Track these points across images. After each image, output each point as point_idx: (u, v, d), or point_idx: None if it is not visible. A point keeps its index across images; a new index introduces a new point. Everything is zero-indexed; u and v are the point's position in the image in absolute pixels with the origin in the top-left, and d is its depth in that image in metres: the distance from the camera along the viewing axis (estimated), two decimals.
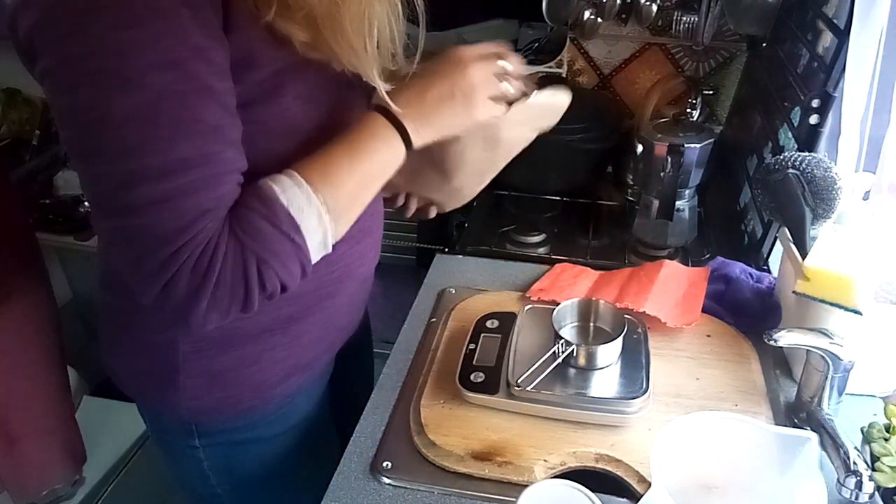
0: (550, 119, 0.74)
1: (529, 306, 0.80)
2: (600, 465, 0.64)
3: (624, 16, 1.23)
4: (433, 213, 0.84)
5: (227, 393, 0.68)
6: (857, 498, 0.57)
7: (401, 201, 0.81)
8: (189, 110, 0.48)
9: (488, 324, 0.80)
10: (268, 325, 0.66)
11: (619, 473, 0.64)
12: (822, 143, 0.83)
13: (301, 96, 0.56)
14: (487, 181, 0.81)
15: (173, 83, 0.46)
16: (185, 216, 0.49)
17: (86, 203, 1.51)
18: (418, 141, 0.59)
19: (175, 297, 0.50)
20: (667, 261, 0.92)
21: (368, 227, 0.72)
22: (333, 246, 0.58)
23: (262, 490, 0.76)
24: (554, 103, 0.72)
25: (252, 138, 0.54)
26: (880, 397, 0.72)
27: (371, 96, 0.62)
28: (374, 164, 0.58)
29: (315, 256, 0.55)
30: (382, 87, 0.57)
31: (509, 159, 0.77)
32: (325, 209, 0.54)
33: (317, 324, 0.70)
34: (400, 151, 0.59)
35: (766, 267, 0.93)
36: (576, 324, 0.77)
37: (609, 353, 0.70)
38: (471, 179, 0.78)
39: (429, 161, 0.73)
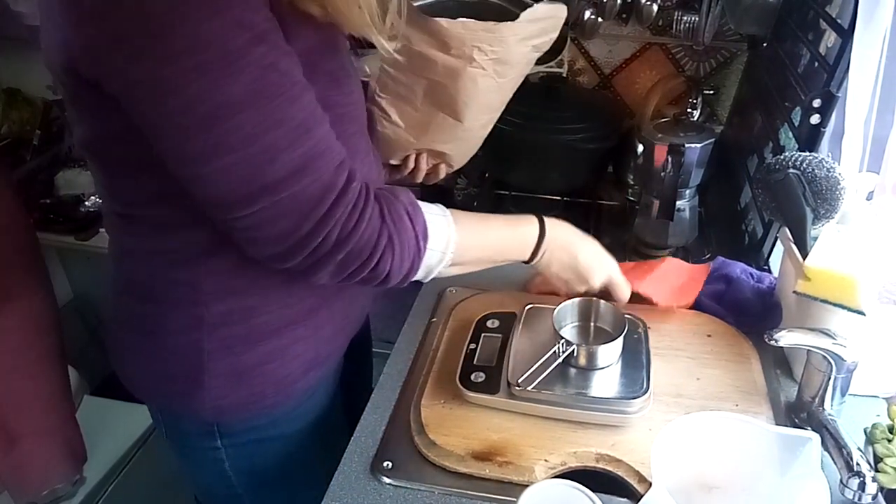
0: (550, 34, 0.76)
1: (530, 306, 0.80)
2: (601, 465, 0.64)
3: (624, 15, 1.23)
4: (443, 173, 0.86)
5: (252, 390, 0.67)
6: (860, 499, 0.57)
7: (411, 164, 0.82)
8: (286, 75, 0.50)
9: (489, 323, 0.80)
10: (291, 318, 0.66)
11: (619, 473, 0.63)
12: (825, 143, 0.83)
13: (332, 74, 0.58)
14: (495, 119, 0.83)
15: (267, 55, 0.48)
16: (326, 174, 0.53)
17: (86, 203, 1.51)
18: (538, 260, 0.71)
19: (317, 254, 0.55)
20: (670, 257, 0.92)
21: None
22: None
23: (283, 487, 0.76)
24: (552, 16, 0.75)
25: None
26: (883, 398, 0.72)
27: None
28: (513, 235, 0.70)
29: (420, 273, 0.62)
30: (387, 46, 0.58)
31: (515, 86, 0.79)
32: (452, 246, 0.62)
33: (335, 314, 0.71)
34: (524, 256, 0.71)
35: (766, 267, 0.93)
36: (576, 324, 0.77)
37: (610, 353, 0.70)
38: (480, 116, 0.79)
39: (440, 104, 0.75)
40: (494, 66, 0.73)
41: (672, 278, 0.87)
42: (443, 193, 1.43)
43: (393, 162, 0.83)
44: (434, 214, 0.62)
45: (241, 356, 0.65)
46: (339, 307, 0.71)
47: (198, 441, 0.72)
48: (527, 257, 0.70)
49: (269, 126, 0.49)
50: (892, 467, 0.62)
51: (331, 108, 0.56)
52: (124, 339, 0.70)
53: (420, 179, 0.86)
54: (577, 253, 0.73)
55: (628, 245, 1.12)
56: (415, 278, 0.62)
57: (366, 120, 0.69)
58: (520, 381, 0.68)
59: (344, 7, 0.53)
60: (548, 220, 0.70)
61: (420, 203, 0.61)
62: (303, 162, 0.51)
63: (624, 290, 0.77)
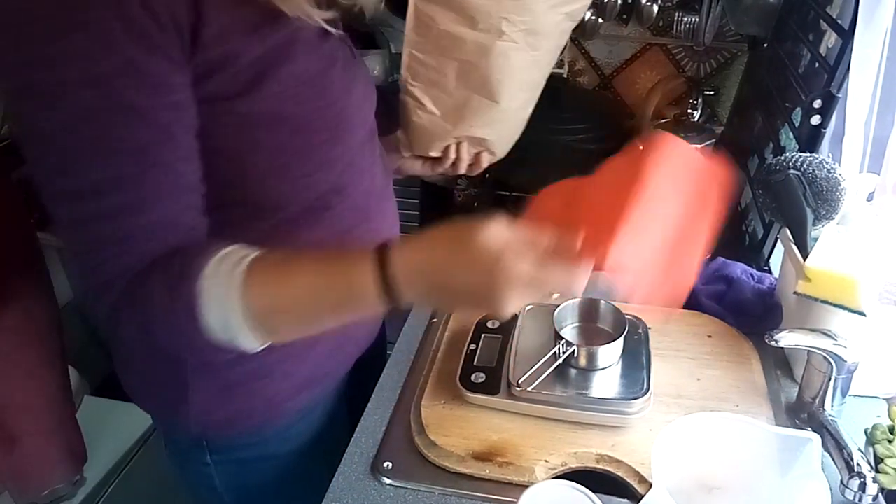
0: (582, 0, 0.72)
1: (530, 306, 0.80)
2: (601, 466, 0.64)
3: (625, 16, 1.23)
4: (486, 162, 0.82)
5: (238, 407, 0.66)
6: (860, 500, 0.57)
7: (452, 154, 0.79)
8: (109, 130, 0.45)
9: (489, 324, 0.80)
10: None
11: (619, 474, 0.63)
12: (825, 144, 0.83)
13: (287, 83, 0.53)
14: (534, 98, 0.77)
15: (95, 101, 0.44)
16: (94, 241, 0.48)
17: None
18: (402, 304, 0.47)
19: (103, 306, 0.50)
20: (670, 139, 0.56)
21: (377, 228, 0.70)
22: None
23: None
24: None
25: (239, 130, 0.53)
26: (884, 399, 0.72)
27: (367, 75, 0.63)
28: (327, 298, 0.49)
29: (212, 340, 0.48)
30: (322, 23, 0.54)
31: (553, 60, 0.74)
32: (241, 322, 0.47)
33: (330, 335, 0.58)
34: (374, 309, 0.47)
35: (767, 268, 0.93)
36: (577, 324, 0.77)
37: (610, 354, 0.70)
38: (518, 95, 0.74)
39: (473, 85, 0.72)
40: (526, 37, 0.69)
41: (661, 221, 0.51)
42: (443, 194, 1.43)
43: (433, 154, 0.80)
44: (212, 283, 0.47)
45: (223, 373, 0.64)
46: (332, 330, 0.63)
47: (190, 454, 0.71)
48: (370, 304, 0.47)
49: (65, 171, 0.46)
50: (892, 468, 0.62)
51: (286, 120, 0.54)
52: (120, 352, 0.70)
53: (463, 170, 0.82)
54: (447, 280, 0.46)
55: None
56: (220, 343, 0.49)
57: (357, 120, 0.63)
58: (520, 381, 0.68)
59: None
60: (397, 249, 0.47)
61: (202, 264, 0.47)
62: (81, 219, 0.47)
63: (568, 287, 0.47)
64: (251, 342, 0.49)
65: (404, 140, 0.81)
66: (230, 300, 0.47)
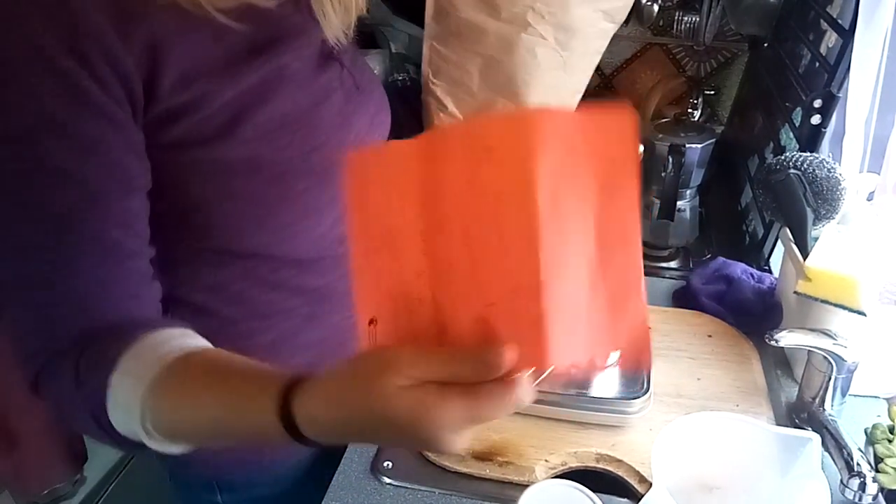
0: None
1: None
2: (601, 466, 0.64)
3: None
4: None
5: (249, 448, 0.63)
6: (860, 499, 0.57)
7: None
8: (29, 193, 0.41)
9: None
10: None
11: (620, 473, 0.63)
12: (825, 144, 0.83)
13: (265, 127, 0.48)
14: (572, 103, 0.69)
15: (15, 160, 0.40)
16: (22, 313, 0.44)
17: None
18: (312, 439, 0.39)
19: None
20: (539, 114, 0.35)
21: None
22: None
23: None
24: None
25: (209, 178, 0.49)
26: (884, 398, 0.72)
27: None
28: (234, 440, 0.46)
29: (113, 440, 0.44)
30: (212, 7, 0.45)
31: (588, 67, 0.66)
32: (143, 429, 0.42)
33: None
34: (270, 438, 0.40)
35: (767, 267, 0.93)
36: None
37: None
38: (547, 100, 0.68)
39: (498, 85, 0.66)
40: (555, 33, 0.63)
41: (581, 241, 0.35)
42: None
43: None
44: (122, 386, 0.41)
45: None
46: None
47: (200, 496, 0.69)
48: (276, 443, 0.40)
49: None
50: (892, 468, 0.62)
51: (263, 167, 0.49)
52: None
53: None
54: (364, 436, 0.43)
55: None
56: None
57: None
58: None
59: None
60: (299, 402, 0.37)
61: (123, 358, 0.42)
62: None
63: (507, 408, 0.36)
64: (157, 444, 0.43)
65: None
66: (133, 410, 0.41)
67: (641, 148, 0.50)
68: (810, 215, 0.73)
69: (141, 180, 0.46)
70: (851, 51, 0.74)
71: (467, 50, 0.66)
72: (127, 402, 0.41)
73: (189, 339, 0.44)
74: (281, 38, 0.50)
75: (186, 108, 0.45)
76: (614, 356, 0.38)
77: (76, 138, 0.41)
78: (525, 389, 0.36)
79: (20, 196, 0.41)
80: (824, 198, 0.73)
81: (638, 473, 0.62)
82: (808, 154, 0.76)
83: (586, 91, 1.35)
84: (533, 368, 0.35)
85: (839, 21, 0.81)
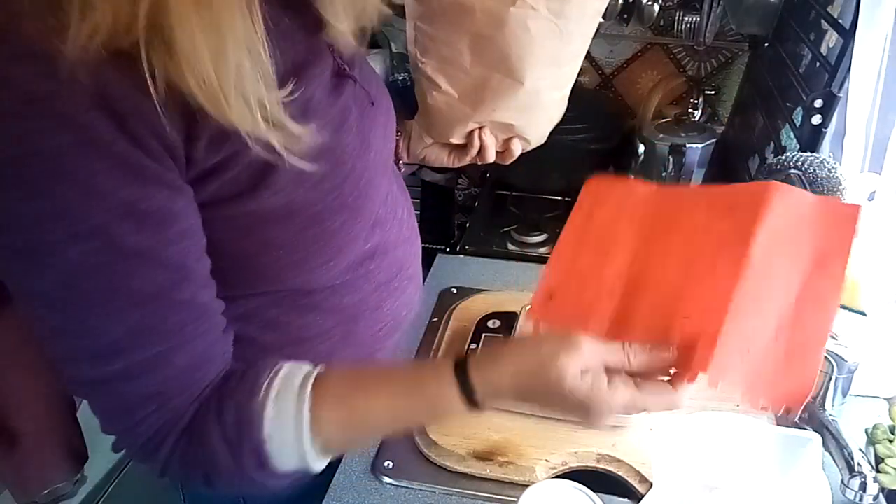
0: None
1: (530, 306, 0.80)
2: (602, 465, 0.64)
3: (626, 16, 1.22)
4: (518, 150, 0.71)
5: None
6: (861, 499, 0.57)
7: (476, 142, 0.69)
8: (115, 282, 0.40)
9: (490, 324, 0.80)
10: None
11: (620, 473, 0.63)
12: (826, 144, 0.83)
13: (295, 170, 0.46)
14: (566, 78, 0.66)
15: (93, 255, 0.39)
16: (125, 402, 0.44)
17: None
18: (485, 409, 0.47)
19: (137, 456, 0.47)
20: (780, 188, 0.46)
21: (412, 273, 0.65)
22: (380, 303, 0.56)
23: None
24: None
25: (246, 231, 0.47)
26: (885, 399, 0.72)
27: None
28: (415, 413, 0.50)
29: (277, 481, 0.47)
30: (267, 135, 0.43)
31: (586, 34, 0.63)
32: (315, 454, 0.46)
33: None
34: (453, 411, 0.47)
35: None
36: None
37: None
38: (544, 73, 0.64)
39: (491, 62, 0.62)
40: (546, 2, 0.59)
41: (774, 301, 0.43)
42: (443, 194, 1.43)
43: (455, 140, 0.70)
44: (279, 425, 0.45)
45: None
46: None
47: None
48: (452, 417, 0.51)
49: (73, 333, 0.41)
50: (893, 468, 0.62)
51: (298, 212, 0.48)
52: None
53: (492, 159, 0.71)
54: (534, 404, 0.51)
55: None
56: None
57: (378, 179, 0.56)
58: None
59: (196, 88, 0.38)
60: (476, 372, 0.46)
61: (264, 405, 0.45)
62: (103, 379, 0.43)
63: (664, 406, 0.45)
64: (321, 464, 0.48)
65: (423, 125, 0.72)
66: (302, 442, 0.45)
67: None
68: None
69: (203, 236, 0.45)
70: (852, 51, 0.75)
71: (454, 28, 0.62)
72: (291, 443, 0.45)
73: (299, 366, 0.48)
74: (301, 67, 0.48)
75: (217, 168, 0.43)
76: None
77: (148, 218, 0.40)
78: (682, 393, 0.44)
79: (107, 288, 0.40)
80: None
81: (638, 473, 0.62)
82: (809, 154, 0.76)
83: (586, 91, 1.35)
84: (696, 375, 0.42)
85: (840, 21, 0.81)
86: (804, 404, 0.42)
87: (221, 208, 0.45)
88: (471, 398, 0.45)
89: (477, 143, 0.70)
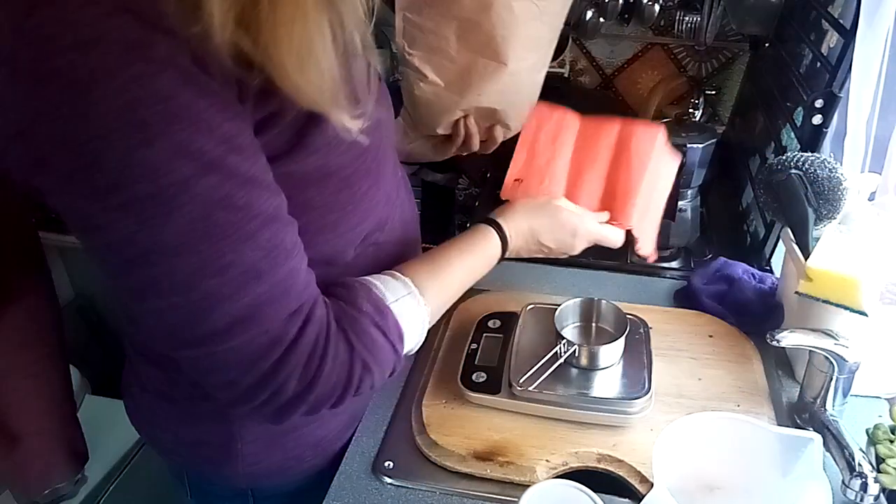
0: None
1: (531, 306, 0.80)
2: (602, 466, 0.64)
3: (626, 16, 1.22)
4: (500, 137, 0.76)
5: (287, 454, 0.64)
6: (861, 500, 0.57)
7: (461, 131, 0.73)
8: (241, 210, 0.42)
9: (490, 324, 0.80)
10: None
11: (621, 474, 0.63)
12: (827, 144, 0.83)
13: (331, 135, 0.49)
14: (545, 62, 0.71)
15: (217, 187, 0.40)
16: (275, 325, 0.45)
17: None
18: (505, 256, 0.67)
19: (275, 404, 0.47)
20: (663, 131, 0.76)
21: (417, 251, 0.69)
22: None
23: None
24: None
25: (288, 189, 0.48)
26: (885, 399, 0.72)
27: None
28: (479, 261, 0.64)
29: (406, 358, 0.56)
30: (349, 123, 0.47)
31: (562, 18, 0.67)
32: (430, 318, 0.56)
33: None
34: (498, 254, 0.66)
35: (768, 267, 0.93)
36: (578, 324, 0.77)
37: (611, 354, 0.70)
38: (526, 56, 0.68)
39: (477, 46, 0.65)
40: None
41: (657, 196, 0.76)
42: (444, 193, 1.43)
43: (441, 131, 0.73)
44: (403, 302, 0.54)
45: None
46: None
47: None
48: (497, 259, 0.67)
49: (210, 273, 0.41)
50: (894, 468, 0.62)
51: (332, 174, 0.51)
52: (147, 403, 0.66)
53: (475, 147, 0.76)
54: (540, 238, 0.68)
55: (630, 245, 1.12)
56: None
57: (388, 152, 0.60)
58: (521, 381, 0.68)
59: (290, 65, 0.41)
60: (503, 221, 0.66)
61: (385, 291, 0.53)
62: (248, 312, 0.43)
63: (612, 242, 0.72)
64: (426, 328, 0.57)
65: (409, 120, 0.74)
66: (421, 309, 0.55)
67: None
68: (811, 215, 0.73)
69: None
70: (853, 51, 0.74)
71: (442, 15, 0.65)
72: (416, 316, 0.55)
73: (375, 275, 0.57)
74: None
75: (264, 124, 0.45)
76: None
77: (246, 147, 0.43)
78: (619, 231, 0.72)
79: (237, 215, 0.42)
80: (826, 198, 0.73)
81: (639, 473, 0.62)
82: (810, 154, 0.76)
83: (587, 91, 1.35)
84: (627, 224, 0.73)
85: (840, 21, 0.81)
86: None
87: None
88: (505, 244, 0.65)
89: (462, 132, 0.73)
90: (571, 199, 0.73)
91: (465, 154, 0.82)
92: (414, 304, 0.55)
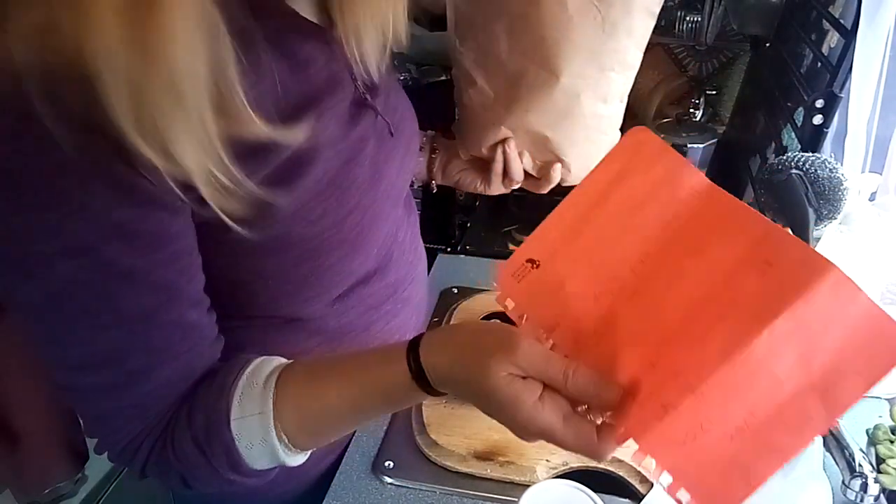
0: None
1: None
2: (602, 466, 0.64)
3: None
4: (557, 176, 0.64)
5: (277, 491, 0.62)
6: (861, 500, 0.57)
7: (500, 158, 0.63)
8: (102, 300, 0.40)
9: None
10: None
11: (621, 474, 0.63)
12: (828, 144, 0.83)
13: (297, 202, 0.45)
14: (617, 85, 0.59)
15: (81, 272, 0.38)
16: (104, 411, 0.44)
17: None
18: (439, 392, 0.44)
19: (133, 469, 0.47)
20: (833, 273, 0.33)
21: (407, 296, 0.63)
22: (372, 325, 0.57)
23: None
24: None
25: (240, 257, 0.47)
26: (885, 399, 0.72)
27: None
28: (368, 395, 0.46)
29: (255, 480, 0.47)
30: (289, 139, 0.42)
31: (636, 32, 0.57)
32: (285, 449, 0.46)
33: None
34: (403, 388, 0.44)
35: None
36: None
37: None
38: (585, 70, 0.58)
39: (528, 49, 0.57)
40: None
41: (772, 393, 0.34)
42: (444, 193, 1.43)
43: (483, 151, 0.65)
44: (246, 422, 0.44)
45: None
46: None
47: None
48: (405, 402, 0.48)
49: (57, 342, 0.41)
50: (894, 468, 0.62)
51: (293, 245, 0.47)
52: None
53: (519, 176, 0.64)
54: (469, 399, 0.43)
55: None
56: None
57: (385, 214, 0.54)
58: None
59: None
60: (428, 345, 0.43)
61: (238, 401, 0.44)
62: (84, 389, 0.43)
63: (588, 454, 0.39)
64: (296, 459, 0.48)
65: (461, 136, 0.67)
66: (271, 439, 0.44)
67: None
68: (812, 216, 0.73)
69: (198, 253, 0.44)
70: (853, 51, 0.74)
71: (493, 7, 0.58)
72: (258, 439, 0.44)
73: (268, 361, 0.47)
74: (316, 99, 0.46)
75: (259, 151, 0.42)
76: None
77: (142, 239, 0.39)
78: (605, 447, 0.37)
79: (94, 305, 0.40)
80: (826, 198, 0.73)
81: (639, 473, 0.62)
82: (810, 154, 0.76)
83: None
84: (628, 439, 0.36)
85: (841, 21, 0.81)
86: None
87: (213, 233, 0.43)
88: (422, 381, 0.42)
89: (500, 157, 0.64)
90: (596, 341, 0.39)
91: (515, 190, 0.71)
92: (260, 427, 0.44)
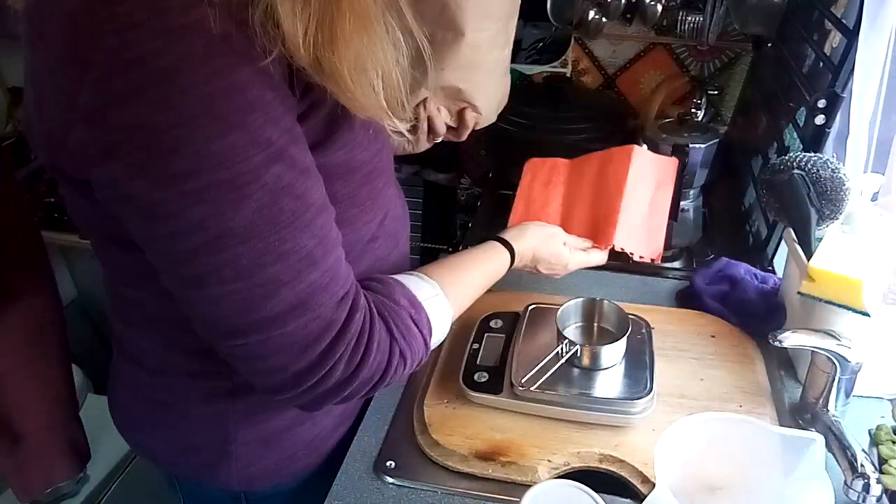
0: None
1: (533, 306, 0.80)
2: (604, 466, 0.64)
3: (628, 16, 1.22)
4: (471, 121, 0.75)
5: (282, 454, 0.64)
6: (864, 500, 0.57)
7: (423, 117, 0.71)
8: (301, 198, 0.44)
9: (492, 323, 0.80)
10: None
11: (622, 474, 0.63)
12: (830, 144, 0.83)
13: (358, 130, 0.52)
14: (505, 37, 0.69)
15: (282, 176, 0.42)
16: (327, 311, 0.46)
17: None
18: (516, 263, 0.72)
19: (319, 390, 0.49)
20: (636, 149, 0.83)
21: (402, 251, 0.69)
22: None
23: None
24: None
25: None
26: (888, 399, 0.72)
27: None
28: (492, 273, 0.68)
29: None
30: (401, 126, 0.53)
31: None
32: (452, 318, 0.59)
33: None
34: (505, 270, 0.71)
35: (770, 268, 0.93)
36: (580, 324, 0.77)
37: (613, 354, 0.70)
38: (484, 25, 0.66)
39: (433, 17, 0.64)
40: None
41: (642, 204, 0.81)
42: (446, 193, 1.43)
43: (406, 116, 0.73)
44: (431, 301, 0.57)
45: (269, 421, 0.62)
46: None
47: None
48: (504, 272, 0.72)
49: (271, 259, 0.43)
50: None
51: (357, 169, 0.53)
52: (135, 408, 0.66)
53: (442, 130, 0.74)
54: (538, 265, 0.75)
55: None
56: None
57: (392, 160, 0.63)
58: (523, 381, 0.68)
59: (335, 88, 0.45)
60: (514, 242, 0.71)
61: (414, 288, 0.56)
62: (303, 298, 0.45)
63: (598, 263, 0.78)
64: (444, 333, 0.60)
65: None
66: (448, 311, 0.58)
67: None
68: (814, 216, 0.73)
69: None
70: (856, 51, 0.74)
71: None
72: (443, 313, 0.58)
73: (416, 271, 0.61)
74: None
75: (303, 116, 0.46)
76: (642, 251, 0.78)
77: (301, 139, 0.45)
78: (603, 252, 0.78)
79: (298, 202, 0.44)
80: (828, 198, 0.73)
81: (641, 474, 0.62)
82: (812, 154, 0.76)
83: (589, 91, 1.35)
84: (609, 245, 0.77)
85: (843, 21, 0.81)
86: (661, 255, 0.79)
87: None
88: (513, 259, 0.71)
89: (424, 116, 0.73)
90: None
91: (437, 142, 0.80)
92: (442, 304, 0.57)
